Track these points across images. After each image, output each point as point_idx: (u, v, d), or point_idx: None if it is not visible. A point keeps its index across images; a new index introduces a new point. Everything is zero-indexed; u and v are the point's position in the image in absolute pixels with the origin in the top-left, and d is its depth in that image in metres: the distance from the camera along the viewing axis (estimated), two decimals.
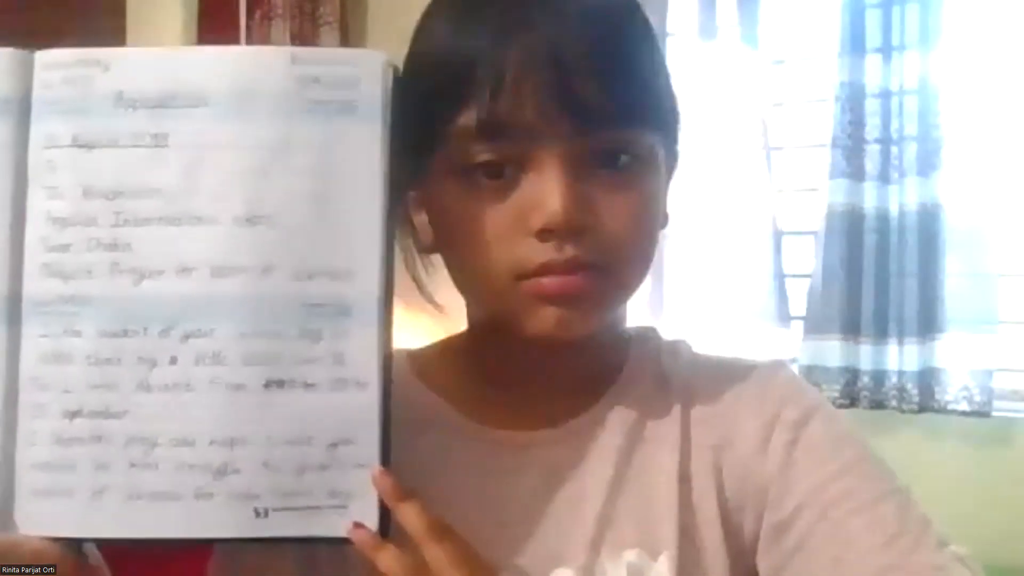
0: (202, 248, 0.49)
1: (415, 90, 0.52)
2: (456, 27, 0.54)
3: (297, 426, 0.49)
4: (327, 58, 0.49)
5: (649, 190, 0.55)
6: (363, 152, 0.49)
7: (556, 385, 0.60)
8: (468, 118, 0.51)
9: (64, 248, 0.50)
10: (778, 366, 0.63)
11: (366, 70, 0.49)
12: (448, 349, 0.65)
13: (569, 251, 0.51)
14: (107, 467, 0.49)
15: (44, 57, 0.51)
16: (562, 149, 0.51)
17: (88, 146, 0.50)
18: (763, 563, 0.56)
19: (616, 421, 0.59)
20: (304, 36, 2.36)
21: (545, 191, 0.51)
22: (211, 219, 0.49)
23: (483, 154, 0.52)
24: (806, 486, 0.54)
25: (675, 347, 0.64)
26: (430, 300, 0.62)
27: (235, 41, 2.17)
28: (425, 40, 0.56)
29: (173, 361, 0.49)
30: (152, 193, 0.49)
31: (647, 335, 0.64)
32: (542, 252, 0.52)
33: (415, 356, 0.64)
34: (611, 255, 0.53)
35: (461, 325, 0.63)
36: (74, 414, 0.49)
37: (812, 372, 2.05)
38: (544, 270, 0.52)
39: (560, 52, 0.50)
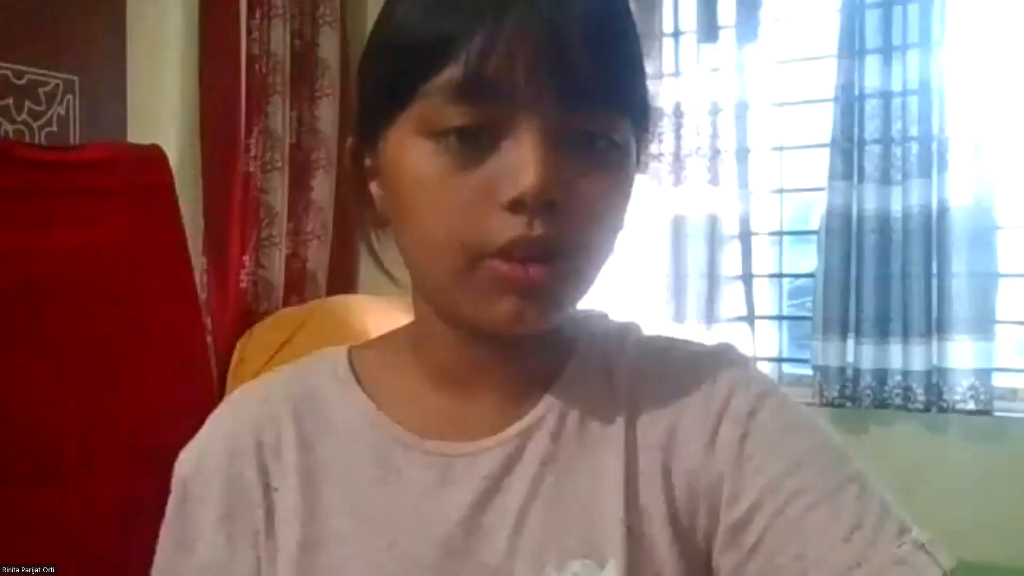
0: None
1: (381, 52, 0.51)
2: None
3: None
4: None
5: (621, 179, 0.53)
6: None
7: (498, 385, 0.57)
8: (449, 75, 0.48)
9: None
10: (726, 349, 0.60)
11: None
12: (389, 344, 0.61)
13: (539, 228, 0.48)
14: None
15: None
16: (544, 119, 0.48)
17: None
18: (721, 562, 0.54)
19: (557, 426, 0.56)
20: (304, 36, 2.36)
21: (522, 160, 0.48)
22: None
23: (460, 116, 0.49)
24: (761, 483, 0.52)
25: (623, 333, 0.61)
26: (383, 269, 0.59)
27: (235, 41, 2.18)
28: (399, 9, 0.52)
29: None
30: None
31: (594, 326, 0.61)
32: (511, 227, 0.48)
33: (354, 354, 0.61)
34: (575, 240, 0.50)
35: None
36: None
37: (816, 371, 2.05)
38: (511, 247, 0.49)
39: (557, 25, 0.48)
